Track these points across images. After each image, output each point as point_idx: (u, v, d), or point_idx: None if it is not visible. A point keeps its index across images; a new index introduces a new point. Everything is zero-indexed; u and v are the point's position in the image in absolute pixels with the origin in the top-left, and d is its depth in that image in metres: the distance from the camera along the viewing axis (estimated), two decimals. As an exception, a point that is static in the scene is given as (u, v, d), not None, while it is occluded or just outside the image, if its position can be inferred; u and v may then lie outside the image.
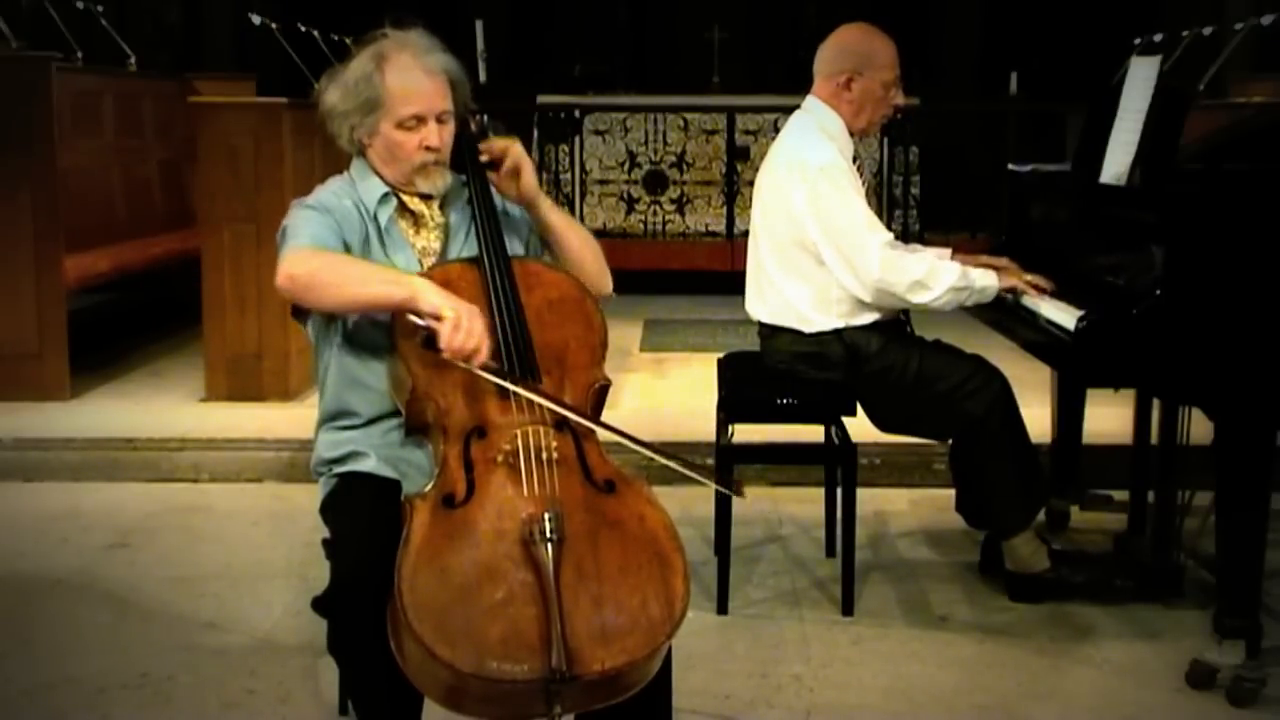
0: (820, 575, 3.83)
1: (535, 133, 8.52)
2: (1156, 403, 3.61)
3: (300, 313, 2.56)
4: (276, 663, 3.23)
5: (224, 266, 5.21)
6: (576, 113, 8.53)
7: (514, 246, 2.63)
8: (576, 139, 8.48)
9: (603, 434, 2.44)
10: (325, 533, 2.54)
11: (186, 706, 3.03)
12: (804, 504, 4.35)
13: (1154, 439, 3.64)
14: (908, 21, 9.25)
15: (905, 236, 7.64)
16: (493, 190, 2.64)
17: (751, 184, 3.81)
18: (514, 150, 2.64)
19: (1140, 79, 3.37)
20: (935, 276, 3.40)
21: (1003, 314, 3.50)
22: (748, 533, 4.13)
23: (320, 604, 2.37)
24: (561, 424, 2.39)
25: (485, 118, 2.72)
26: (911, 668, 3.24)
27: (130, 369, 5.93)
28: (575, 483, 2.32)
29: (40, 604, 3.64)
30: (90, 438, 4.83)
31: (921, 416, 3.57)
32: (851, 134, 3.58)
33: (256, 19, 7.43)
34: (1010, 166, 4.12)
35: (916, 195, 8.42)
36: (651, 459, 2.47)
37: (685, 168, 8.56)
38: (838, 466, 3.74)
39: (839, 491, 3.70)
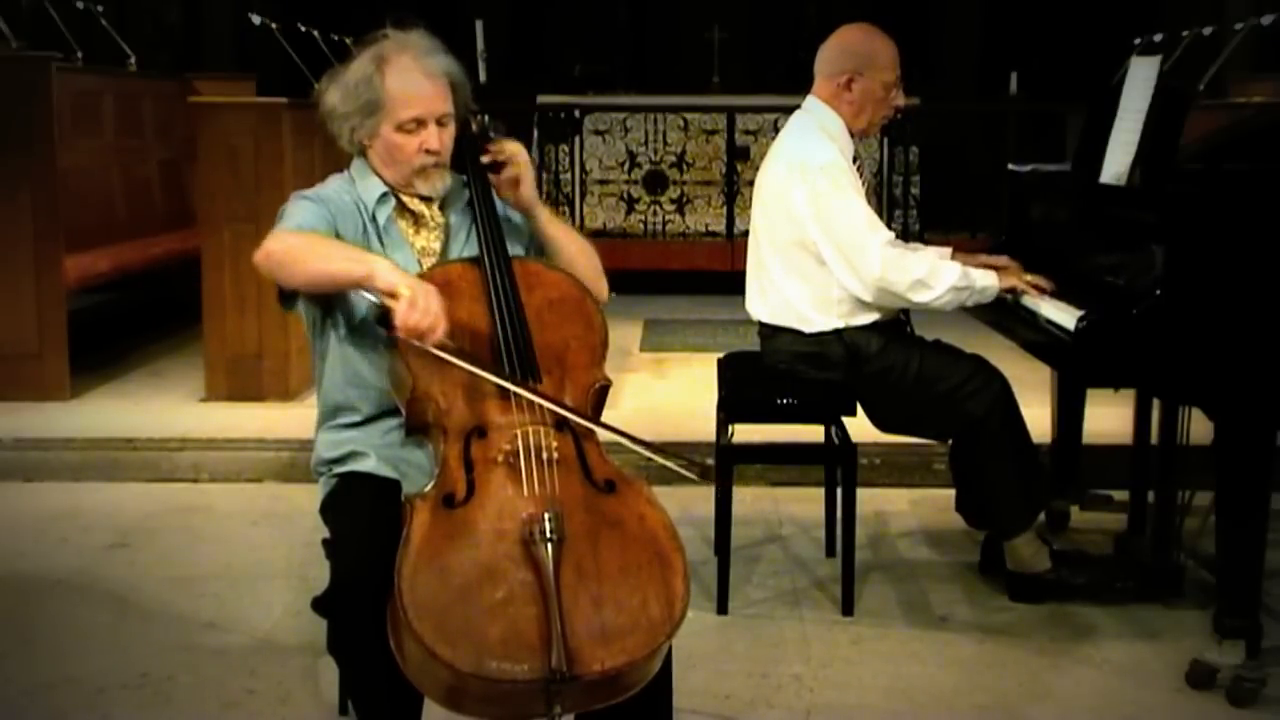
0: (820, 575, 3.83)
1: (535, 133, 8.51)
2: (1156, 403, 3.61)
3: (286, 297, 2.55)
4: (276, 663, 3.23)
5: (224, 266, 5.21)
6: (576, 113, 8.53)
7: (514, 250, 2.63)
8: (576, 139, 8.47)
9: (601, 433, 2.44)
10: (325, 533, 2.54)
11: (186, 706, 3.03)
12: (804, 504, 4.35)
13: (1154, 439, 3.64)
14: (908, 21, 9.26)
15: (905, 236, 7.63)
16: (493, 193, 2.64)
17: (751, 184, 3.81)
18: (518, 159, 2.64)
19: (1140, 79, 3.37)
20: (936, 276, 3.40)
21: (1003, 314, 3.50)
22: (748, 533, 4.13)
23: (320, 604, 2.37)
24: (562, 424, 2.39)
25: (487, 118, 2.72)
26: (911, 668, 3.24)
27: (130, 369, 5.93)
28: (575, 483, 2.32)
29: (40, 604, 3.64)
30: (90, 438, 4.83)
31: (922, 417, 3.57)
32: (852, 134, 3.58)
33: (256, 19, 7.44)
34: (1010, 166, 4.12)
35: (916, 195, 8.42)
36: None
37: (685, 168, 8.56)
38: (838, 466, 3.74)
39: (839, 491, 3.70)
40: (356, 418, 2.58)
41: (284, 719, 2.98)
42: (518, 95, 9.07)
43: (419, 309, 2.29)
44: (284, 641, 3.36)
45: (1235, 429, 2.97)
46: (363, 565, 2.26)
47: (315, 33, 7.79)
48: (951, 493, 3.89)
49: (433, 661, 2.08)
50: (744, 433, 3.67)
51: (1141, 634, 3.42)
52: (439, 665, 2.08)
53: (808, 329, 3.54)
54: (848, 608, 3.54)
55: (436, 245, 2.64)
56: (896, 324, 3.61)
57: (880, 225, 3.48)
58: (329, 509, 2.55)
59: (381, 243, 2.59)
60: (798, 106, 3.68)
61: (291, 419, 4.93)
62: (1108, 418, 4.10)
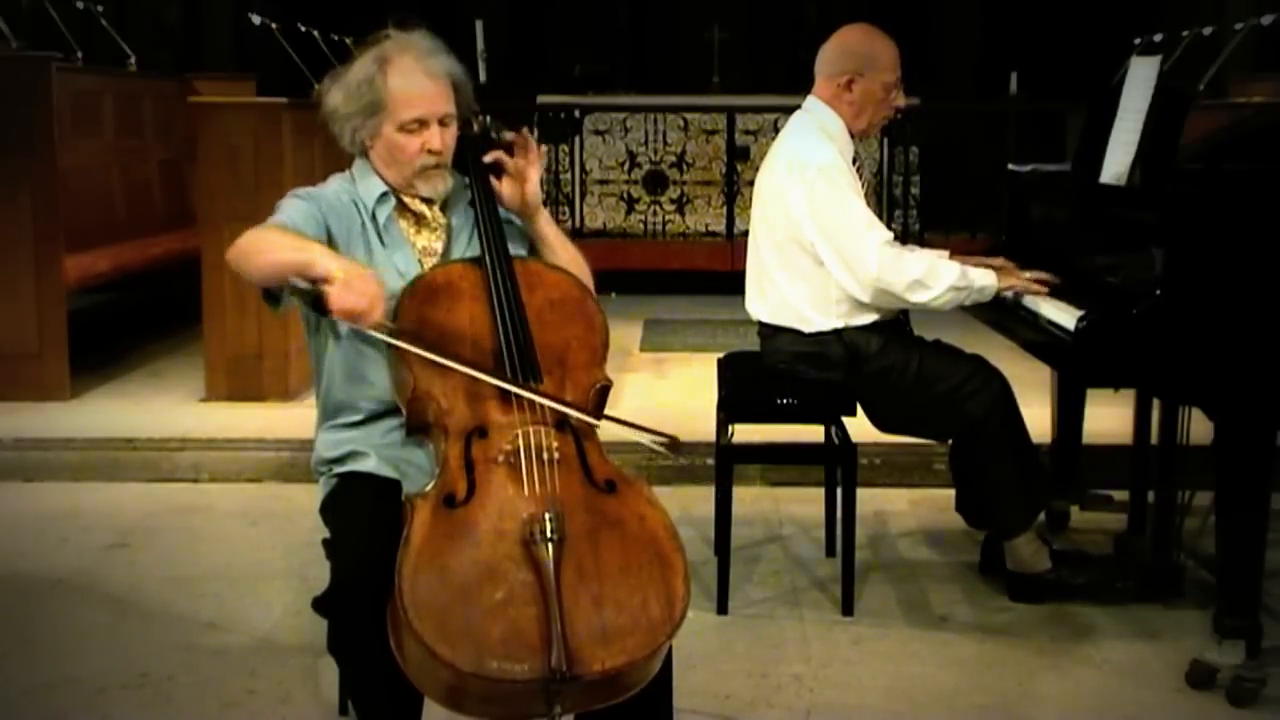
0: (820, 575, 3.83)
1: (535, 133, 8.50)
2: (1156, 403, 3.61)
3: (270, 295, 2.55)
4: (276, 663, 3.23)
5: (224, 266, 5.13)
6: (576, 113, 8.53)
7: (515, 251, 2.63)
8: (576, 139, 8.48)
9: (602, 434, 2.44)
10: (325, 533, 2.54)
11: (186, 706, 3.03)
12: (804, 504, 4.35)
13: (1154, 439, 3.63)
14: (908, 22, 9.25)
15: (905, 236, 7.64)
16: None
17: (751, 184, 3.81)
18: (533, 150, 2.65)
19: (1140, 79, 3.37)
20: (934, 275, 3.40)
21: (1003, 314, 3.50)
22: (748, 533, 4.13)
23: (320, 604, 2.37)
24: (563, 424, 2.39)
25: (488, 119, 2.72)
26: (911, 668, 3.24)
27: (130, 369, 5.93)
28: (576, 483, 2.32)
29: (40, 604, 3.64)
30: (90, 438, 4.83)
31: (921, 417, 3.57)
32: (852, 135, 3.58)
33: (256, 19, 7.44)
34: (1010, 166, 4.12)
35: (916, 195, 8.42)
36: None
37: (685, 168, 8.56)
38: (838, 466, 3.74)
39: (839, 491, 3.70)
40: (357, 417, 2.58)
41: (284, 719, 2.98)
42: (518, 95, 9.07)
43: (354, 290, 2.28)
44: (284, 641, 3.36)
45: (1235, 429, 2.97)
46: (363, 565, 2.26)
47: (315, 33, 7.79)
48: (951, 493, 3.89)
49: (433, 661, 2.08)
50: (744, 433, 3.67)
51: (1141, 634, 3.42)
52: (439, 665, 2.08)
53: (807, 329, 3.54)
54: (848, 608, 3.54)
55: (438, 246, 2.64)
56: (896, 324, 3.61)
57: (878, 225, 3.48)
58: (329, 509, 2.55)
59: (382, 241, 2.59)
60: (798, 107, 3.68)
61: (291, 419, 4.93)
62: (1108, 418, 4.10)
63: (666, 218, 8.59)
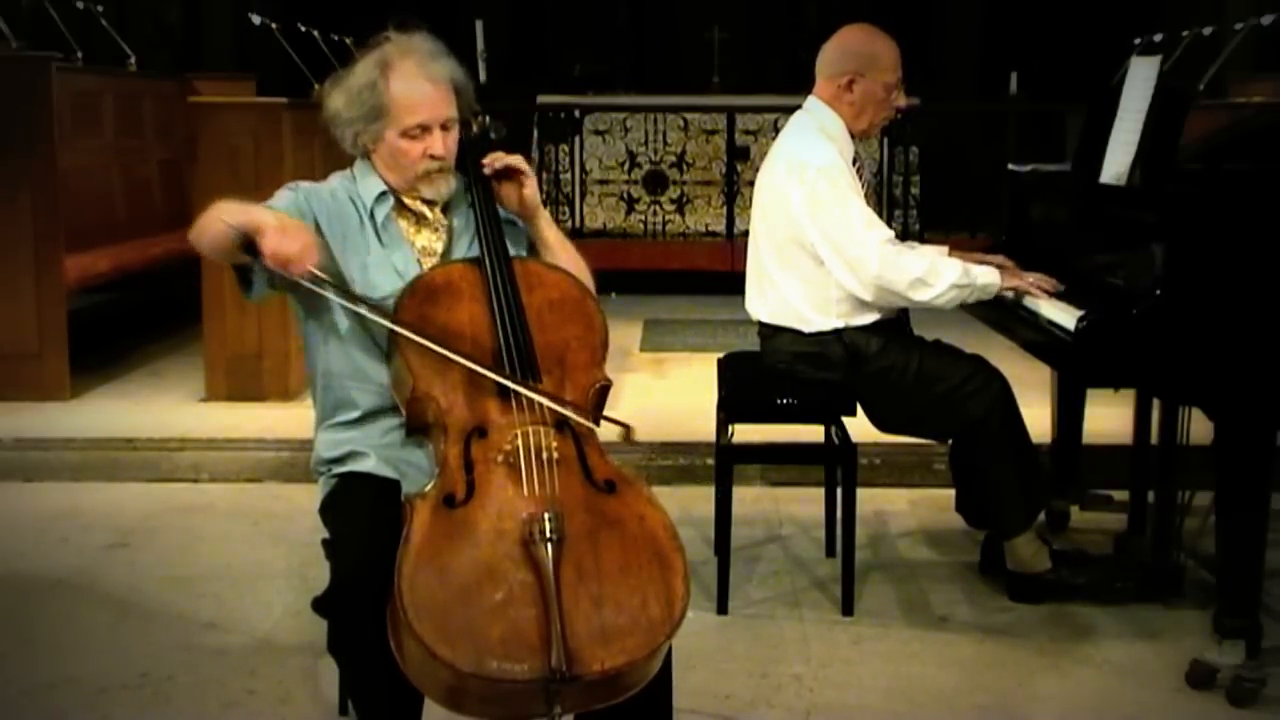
0: (820, 575, 3.83)
1: (535, 133, 8.52)
2: (1156, 403, 3.61)
3: (244, 282, 2.54)
4: (276, 663, 3.23)
5: (224, 267, 5.19)
6: (576, 113, 8.53)
7: (516, 252, 2.63)
8: (576, 139, 8.48)
9: (602, 434, 2.44)
10: (325, 533, 2.54)
11: (186, 706, 3.03)
12: (804, 504, 4.35)
13: (1154, 439, 3.64)
14: (908, 22, 9.25)
15: (905, 236, 7.60)
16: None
17: (752, 184, 3.81)
18: (519, 163, 2.64)
19: (1140, 79, 3.37)
20: (936, 273, 3.40)
21: (1003, 314, 3.50)
22: (748, 533, 4.13)
23: (320, 604, 2.37)
24: (562, 424, 2.39)
25: (488, 119, 2.72)
26: (911, 668, 3.24)
27: (130, 369, 5.93)
28: (575, 483, 2.32)
29: (40, 604, 3.64)
30: (90, 438, 4.83)
31: (921, 417, 3.57)
32: (852, 135, 3.58)
33: (256, 19, 7.44)
34: (1010, 166, 4.12)
35: (916, 195, 8.43)
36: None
37: (685, 168, 8.56)
38: (838, 466, 3.74)
39: (839, 491, 3.70)
40: (355, 414, 2.58)
41: (284, 719, 2.98)
42: (518, 95, 9.08)
43: (287, 236, 2.28)
44: (284, 641, 3.36)
45: (1235, 429, 2.97)
46: (363, 565, 2.26)
47: (315, 33, 7.80)
48: (951, 493, 3.89)
49: (433, 661, 2.08)
50: (744, 433, 3.67)
51: (1141, 634, 3.42)
52: (439, 665, 2.08)
53: (807, 329, 3.54)
54: (848, 608, 3.53)
55: (438, 246, 2.64)
56: (897, 324, 3.61)
57: (879, 224, 3.48)
58: (329, 509, 2.55)
59: (380, 240, 2.59)
60: (798, 106, 3.67)
61: (291, 419, 4.93)
62: (1108, 418, 4.10)
63: (666, 218, 8.59)
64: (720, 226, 8.45)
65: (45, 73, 5.31)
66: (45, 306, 5.27)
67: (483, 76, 8.32)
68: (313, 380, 2.65)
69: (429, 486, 2.30)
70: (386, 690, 2.25)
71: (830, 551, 3.95)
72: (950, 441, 3.72)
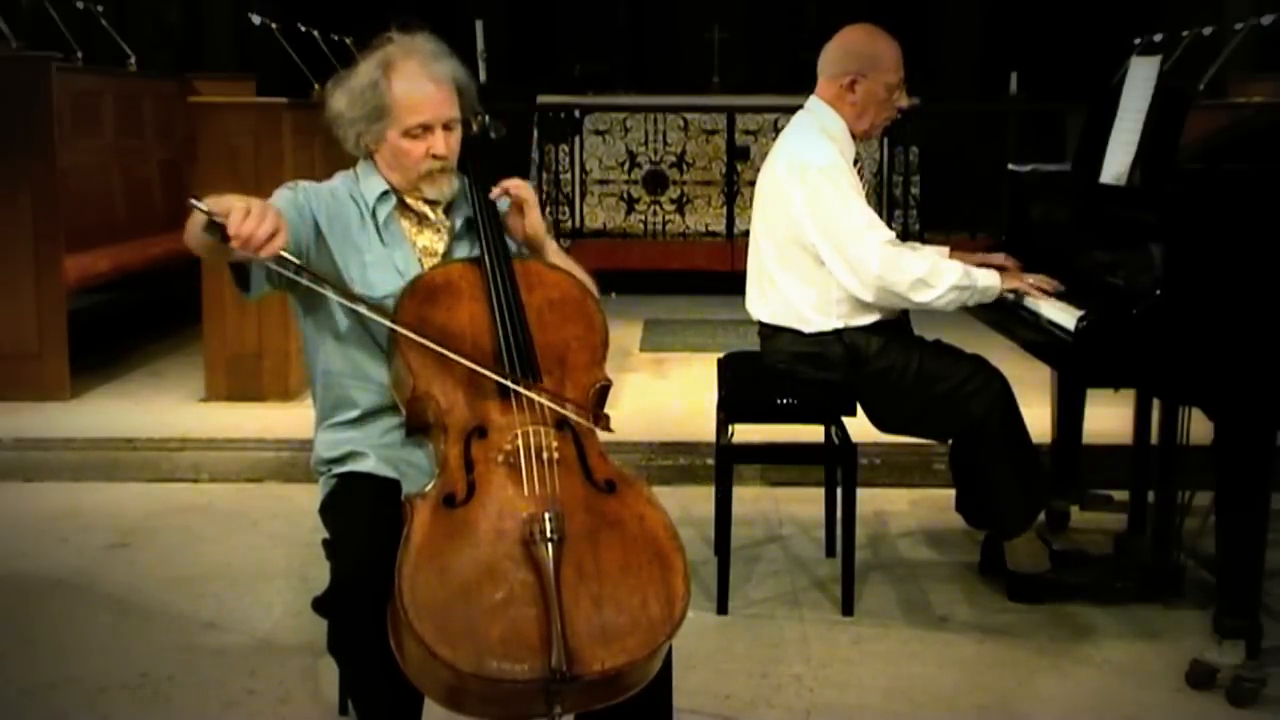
0: (820, 575, 3.83)
1: (535, 133, 8.52)
2: (1156, 403, 3.61)
3: (241, 281, 2.52)
4: (276, 663, 3.23)
5: (224, 266, 5.18)
6: (576, 113, 8.54)
7: (517, 252, 2.64)
8: (576, 139, 8.48)
9: (603, 435, 2.44)
10: (325, 533, 2.54)
11: (186, 706, 3.03)
12: (804, 504, 4.35)
13: (1154, 439, 3.64)
14: (908, 22, 9.24)
15: (905, 236, 7.62)
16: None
17: (752, 184, 3.82)
18: (521, 190, 2.64)
19: (1140, 79, 3.37)
20: (938, 275, 3.40)
21: (1003, 314, 3.50)
22: (748, 533, 4.13)
23: (320, 604, 2.37)
24: (562, 424, 2.39)
25: (487, 118, 2.72)
26: (911, 668, 3.24)
27: (130, 369, 5.93)
28: (575, 483, 2.32)
29: (40, 604, 3.64)
30: (90, 438, 4.83)
31: (921, 417, 3.57)
32: (854, 135, 3.58)
33: (256, 19, 7.43)
34: (1010, 166, 4.12)
35: (916, 195, 8.43)
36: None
37: (685, 168, 8.57)
38: (838, 466, 3.74)
39: (839, 491, 3.70)
40: (355, 413, 2.58)
41: (284, 719, 2.98)
42: (518, 95, 9.08)
43: (254, 217, 2.22)
44: (284, 641, 3.36)
45: (1235, 429, 2.97)
46: (363, 565, 2.26)
47: (315, 33, 7.79)
48: (951, 493, 3.89)
49: (433, 661, 2.08)
50: (744, 433, 3.67)
51: (1141, 634, 3.42)
52: (439, 665, 2.08)
53: (807, 329, 3.54)
54: (848, 608, 3.54)
55: (440, 246, 2.64)
56: (897, 324, 3.61)
57: (880, 225, 3.48)
58: (329, 509, 2.55)
59: (381, 239, 2.59)
60: (798, 107, 3.67)
61: (291, 419, 4.93)
62: (1108, 418, 4.10)
63: (666, 218, 8.59)
64: (720, 226, 8.46)
65: (45, 73, 5.31)
66: (45, 306, 5.27)
67: (483, 76, 8.32)
68: (312, 379, 2.65)
69: (429, 486, 2.30)
70: (386, 690, 2.25)
71: (830, 551, 3.95)
72: (950, 441, 3.72)
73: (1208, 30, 6.89)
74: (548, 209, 8.16)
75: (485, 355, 2.43)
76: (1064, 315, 3.14)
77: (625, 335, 6.41)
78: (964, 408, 3.46)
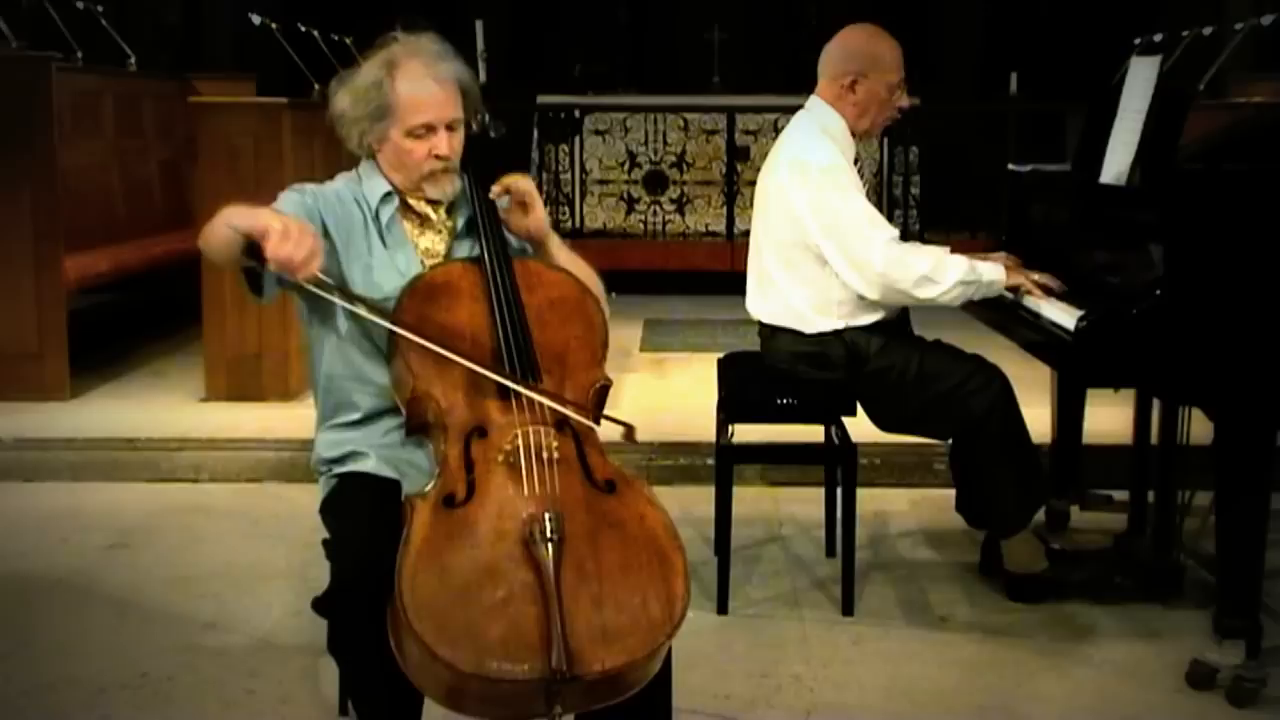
0: (820, 575, 3.83)
1: (535, 133, 8.51)
2: (1156, 403, 3.61)
3: (254, 286, 2.53)
4: (276, 663, 3.23)
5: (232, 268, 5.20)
6: (576, 113, 8.53)
7: (518, 251, 2.64)
8: (576, 139, 8.48)
9: (603, 435, 2.44)
10: (325, 533, 2.54)
11: (186, 706, 3.03)
12: (804, 504, 4.35)
13: (1154, 439, 3.64)
14: (908, 22, 9.23)
15: (905, 237, 7.60)
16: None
17: (752, 184, 3.82)
18: (522, 186, 2.64)
19: (1140, 79, 3.37)
20: (942, 270, 3.40)
21: (1003, 314, 3.50)
22: (748, 533, 4.13)
23: (320, 604, 2.37)
24: (562, 424, 2.39)
25: (487, 117, 2.72)
26: (911, 668, 3.24)
27: (130, 369, 5.94)
28: (576, 483, 2.32)
29: (40, 604, 3.64)
30: (90, 438, 4.83)
31: (921, 416, 3.57)
32: (854, 136, 3.58)
33: (256, 19, 7.43)
34: (1010, 166, 4.12)
35: (916, 195, 8.43)
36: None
37: (685, 168, 8.56)
38: (838, 466, 3.74)
39: (839, 491, 3.70)
40: (356, 415, 2.58)
41: (284, 719, 2.98)
42: (518, 95, 9.07)
43: (291, 240, 2.23)
44: (284, 641, 3.36)
45: (1235, 429, 2.97)
46: (363, 565, 2.26)
47: (315, 33, 7.79)
48: (951, 493, 3.88)
49: (433, 661, 2.08)
50: (744, 433, 3.67)
51: (1141, 634, 3.42)
52: (439, 665, 2.08)
53: (808, 329, 3.54)
54: (848, 608, 3.54)
55: (441, 247, 2.64)
56: (897, 324, 3.61)
57: (883, 223, 3.48)
58: (329, 509, 2.55)
59: (383, 241, 2.59)
60: (798, 107, 3.68)
61: (291, 419, 4.93)
62: (1108, 418, 4.10)
63: (666, 218, 8.58)
64: (720, 227, 8.45)
65: (45, 73, 5.31)
66: (45, 306, 5.27)
67: (483, 76, 8.32)
68: (315, 381, 2.65)
69: (429, 486, 2.30)
70: (386, 690, 2.25)
71: (830, 551, 3.95)
72: (950, 441, 3.72)
73: (1208, 30, 6.88)
74: (548, 209, 8.15)
75: (485, 355, 2.43)
76: (1064, 315, 3.14)
77: (625, 335, 6.41)
78: (964, 407, 3.46)
